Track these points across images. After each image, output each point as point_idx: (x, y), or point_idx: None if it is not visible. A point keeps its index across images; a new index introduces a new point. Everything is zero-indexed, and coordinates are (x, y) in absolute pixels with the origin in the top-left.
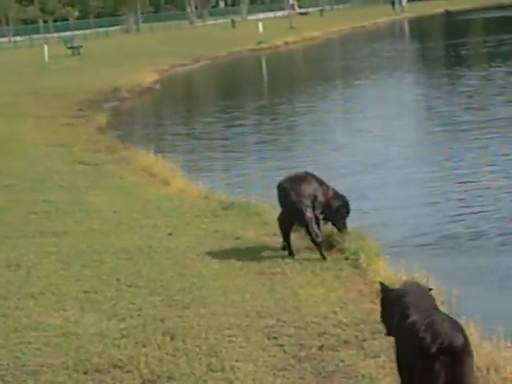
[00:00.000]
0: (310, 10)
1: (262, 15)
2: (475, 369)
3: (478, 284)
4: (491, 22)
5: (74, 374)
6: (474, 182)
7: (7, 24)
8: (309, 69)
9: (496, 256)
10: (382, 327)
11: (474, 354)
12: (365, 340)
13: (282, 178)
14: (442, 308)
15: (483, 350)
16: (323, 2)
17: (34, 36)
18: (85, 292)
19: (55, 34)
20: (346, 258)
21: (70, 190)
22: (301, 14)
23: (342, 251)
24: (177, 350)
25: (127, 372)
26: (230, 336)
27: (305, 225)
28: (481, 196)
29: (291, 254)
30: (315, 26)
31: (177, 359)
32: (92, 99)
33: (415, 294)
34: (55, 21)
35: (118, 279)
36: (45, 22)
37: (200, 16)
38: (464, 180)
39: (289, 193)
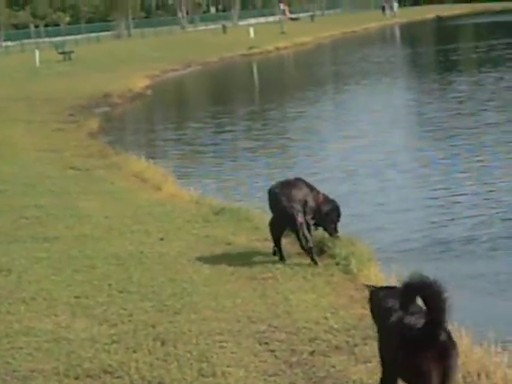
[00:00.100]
0: (301, 15)
1: (253, 20)
2: (466, 374)
3: (469, 289)
4: (482, 27)
5: (65, 380)
6: (465, 187)
7: None
8: (300, 74)
9: (487, 261)
10: (373, 333)
11: (465, 359)
12: (356, 345)
13: (272, 184)
14: None
15: (474, 356)
16: (314, 7)
17: (25, 41)
18: (76, 297)
19: (46, 39)
20: (337, 264)
21: (61, 195)
22: (292, 19)
23: (333, 256)
24: (168, 355)
25: (118, 377)
26: (221, 341)
27: (296, 230)
28: (471, 201)
29: (282, 259)
30: (306, 31)
31: (168, 364)
32: (83, 104)
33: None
34: (46, 26)
35: (109, 284)
36: (36, 26)
37: (191, 21)
38: (455, 185)
39: (280, 198)
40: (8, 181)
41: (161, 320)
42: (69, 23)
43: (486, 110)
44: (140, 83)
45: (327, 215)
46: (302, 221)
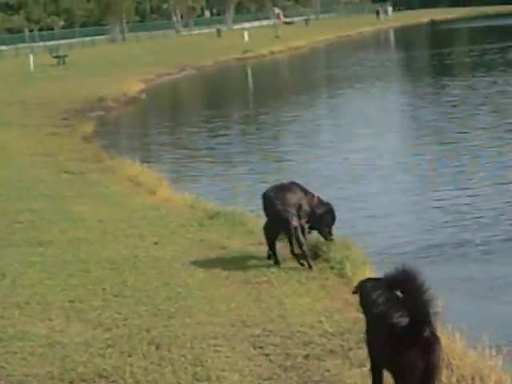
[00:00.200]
0: (296, 19)
1: (247, 24)
2: (461, 377)
3: (463, 293)
4: (476, 31)
5: None
6: (459, 190)
7: None
8: (294, 78)
9: (481, 265)
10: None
11: (460, 363)
12: (350, 349)
13: (267, 188)
14: None
15: (468, 359)
16: (308, 11)
17: (20, 45)
18: (70, 301)
19: (41, 43)
20: (332, 268)
21: (55, 199)
22: (286, 23)
23: (327, 260)
24: (162, 359)
25: (112, 382)
26: (215, 345)
27: (290, 234)
28: (466, 204)
29: (277, 263)
30: (300, 35)
31: (162, 369)
32: (77, 108)
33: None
34: (41, 30)
35: (103, 289)
36: (30, 31)
37: (186, 25)
38: (449, 189)
39: (274, 202)
40: (2, 185)
41: (155, 324)
42: (63, 27)
43: (478, 114)
44: (134, 87)
45: (322, 218)
46: (296, 225)
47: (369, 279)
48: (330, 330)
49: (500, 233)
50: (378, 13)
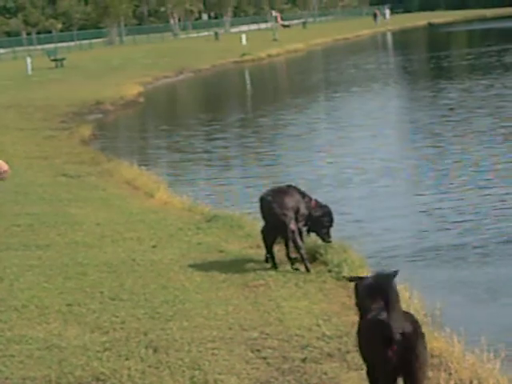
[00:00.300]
0: (293, 22)
1: (245, 27)
2: (459, 381)
3: (461, 296)
4: (473, 34)
5: None
6: (455, 193)
7: None
8: (291, 81)
9: (478, 267)
10: None
11: (458, 366)
12: (348, 352)
13: (264, 191)
14: (426, 321)
15: (466, 362)
16: (306, 14)
17: (17, 48)
18: (68, 305)
19: (38, 47)
20: (330, 271)
21: (53, 203)
22: (284, 26)
23: (325, 263)
24: (160, 362)
25: None
26: (213, 349)
27: (288, 238)
28: (462, 207)
29: (274, 266)
30: (298, 38)
31: (160, 372)
32: (75, 111)
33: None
34: (38, 33)
35: (101, 292)
36: (28, 34)
37: (183, 28)
38: (445, 192)
39: (272, 205)
40: None
41: (153, 327)
42: (61, 30)
43: (475, 117)
44: (132, 90)
45: (319, 221)
46: (294, 228)
47: (363, 277)
48: (328, 333)
49: (498, 236)
50: (375, 16)
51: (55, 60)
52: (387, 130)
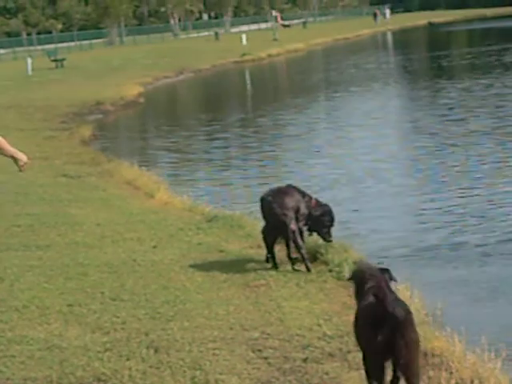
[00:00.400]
0: (294, 22)
1: (245, 27)
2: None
3: (462, 295)
4: (473, 33)
5: None
6: (456, 192)
7: None
8: (291, 81)
9: (479, 267)
10: None
11: (459, 365)
12: (349, 352)
13: (264, 191)
14: (427, 321)
15: (467, 362)
16: (306, 14)
17: (18, 49)
18: (69, 305)
19: (38, 47)
20: (330, 270)
21: (53, 203)
22: (284, 26)
23: (326, 263)
24: (161, 363)
25: None
26: (214, 349)
27: (288, 238)
28: (461, 207)
29: (275, 266)
30: (298, 38)
31: (161, 372)
32: (75, 112)
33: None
34: (39, 33)
35: (102, 292)
36: (28, 34)
37: (183, 29)
38: (445, 191)
39: (272, 206)
40: None
41: (154, 328)
42: (61, 31)
43: (474, 116)
44: (132, 90)
45: (320, 220)
46: (294, 228)
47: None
48: (329, 332)
49: (498, 235)
50: (375, 15)
51: (55, 60)
52: (387, 129)
